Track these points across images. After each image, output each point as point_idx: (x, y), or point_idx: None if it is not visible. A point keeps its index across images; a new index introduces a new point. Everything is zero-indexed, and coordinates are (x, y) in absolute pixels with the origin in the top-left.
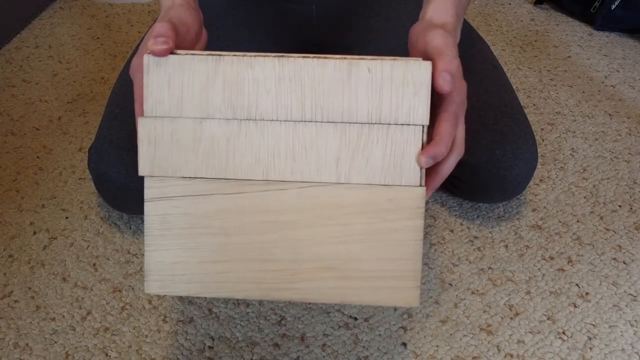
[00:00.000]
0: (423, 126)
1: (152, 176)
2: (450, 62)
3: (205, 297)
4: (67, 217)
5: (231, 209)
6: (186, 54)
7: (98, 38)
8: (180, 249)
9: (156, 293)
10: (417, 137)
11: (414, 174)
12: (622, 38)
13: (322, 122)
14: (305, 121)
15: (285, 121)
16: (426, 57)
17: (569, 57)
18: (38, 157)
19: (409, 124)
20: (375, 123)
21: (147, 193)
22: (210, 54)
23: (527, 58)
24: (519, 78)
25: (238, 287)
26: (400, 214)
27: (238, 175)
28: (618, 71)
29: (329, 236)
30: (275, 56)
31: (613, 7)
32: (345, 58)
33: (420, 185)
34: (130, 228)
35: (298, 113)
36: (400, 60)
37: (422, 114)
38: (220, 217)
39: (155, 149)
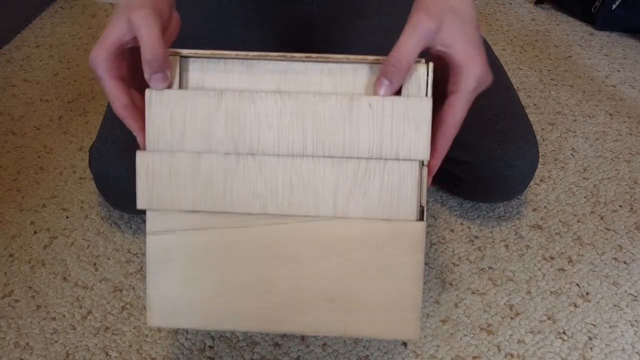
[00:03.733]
0: (422, 161)
1: (152, 209)
2: (468, 95)
3: None
4: (67, 217)
5: (233, 243)
6: (187, 91)
7: (99, 37)
8: (182, 282)
9: (158, 326)
10: (414, 171)
11: (411, 209)
12: (622, 38)
13: (320, 156)
14: (303, 156)
15: (283, 155)
16: (443, 57)
17: (570, 56)
18: (39, 157)
19: (409, 159)
20: (377, 158)
21: (149, 226)
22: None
23: (528, 58)
24: (519, 78)
25: (239, 320)
26: (400, 249)
27: (236, 208)
28: (619, 71)
29: (329, 270)
30: (277, 92)
31: (614, 6)
32: (348, 58)
33: (421, 220)
34: (131, 227)
35: (300, 148)
36: (401, 96)
37: (423, 149)
38: (221, 251)
39: (153, 182)
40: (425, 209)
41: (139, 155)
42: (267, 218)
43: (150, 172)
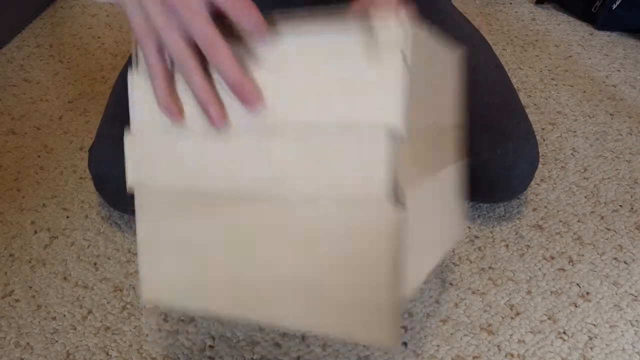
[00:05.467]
0: (393, 141)
1: (140, 195)
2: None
3: None
4: (67, 217)
5: (208, 229)
6: None
7: (99, 37)
8: (166, 264)
9: (149, 300)
10: (382, 150)
11: (384, 190)
12: (623, 38)
13: (285, 137)
14: (269, 135)
15: (249, 135)
16: None
17: (570, 56)
18: (39, 157)
19: (378, 125)
20: (343, 129)
21: (138, 215)
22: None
23: (528, 58)
24: (520, 78)
25: (214, 303)
26: (375, 237)
27: (209, 188)
28: (619, 71)
29: (299, 259)
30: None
31: (614, 6)
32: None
33: (396, 205)
34: (131, 227)
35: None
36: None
37: (394, 112)
38: (199, 237)
39: (140, 160)
40: (403, 191)
41: (127, 137)
42: (240, 203)
43: (137, 152)
